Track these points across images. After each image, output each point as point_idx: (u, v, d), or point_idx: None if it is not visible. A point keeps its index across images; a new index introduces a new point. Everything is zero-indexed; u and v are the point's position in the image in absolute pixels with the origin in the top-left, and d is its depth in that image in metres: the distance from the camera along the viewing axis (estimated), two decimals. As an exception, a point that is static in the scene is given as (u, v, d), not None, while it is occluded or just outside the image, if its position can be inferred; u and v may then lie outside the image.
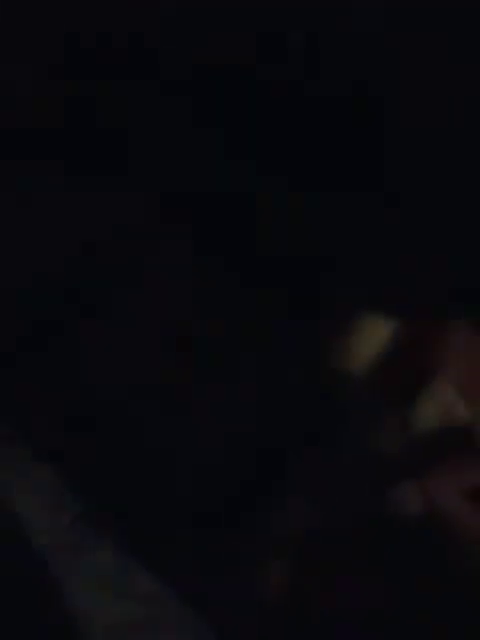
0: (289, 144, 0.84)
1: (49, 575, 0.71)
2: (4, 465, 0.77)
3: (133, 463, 0.78)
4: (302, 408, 0.63)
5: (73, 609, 0.70)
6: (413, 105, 0.80)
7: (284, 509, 0.61)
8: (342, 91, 0.83)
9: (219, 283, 0.81)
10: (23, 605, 0.71)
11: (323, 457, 0.58)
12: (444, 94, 0.80)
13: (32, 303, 0.85)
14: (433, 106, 0.80)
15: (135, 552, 0.72)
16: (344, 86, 0.82)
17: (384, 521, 0.53)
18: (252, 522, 0.65)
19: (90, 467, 0.78)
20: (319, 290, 0.72)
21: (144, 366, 0.83)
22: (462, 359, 0.55)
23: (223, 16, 0.87)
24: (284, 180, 0.84)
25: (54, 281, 0.86)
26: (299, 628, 0.57)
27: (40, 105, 0.90)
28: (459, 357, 0.55)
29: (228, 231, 0.86)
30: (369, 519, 0.53)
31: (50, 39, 0.91)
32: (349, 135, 0.80)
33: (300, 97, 0.85)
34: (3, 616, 0.70)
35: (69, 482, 0.76)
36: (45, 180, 0.90)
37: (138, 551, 0.72)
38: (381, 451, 0.53)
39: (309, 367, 0.61)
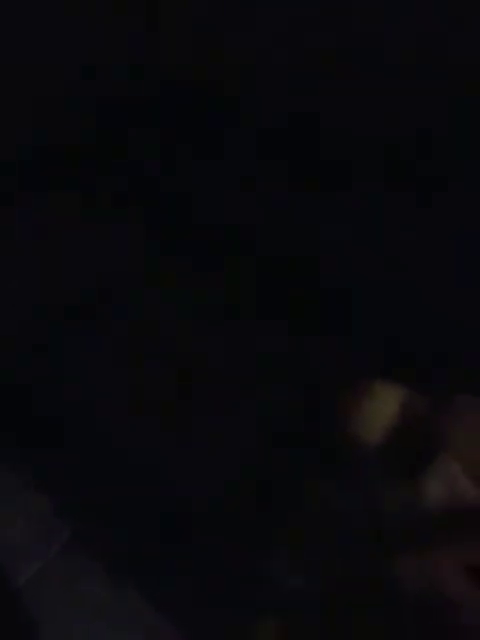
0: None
1: (43, 605, 0.69)
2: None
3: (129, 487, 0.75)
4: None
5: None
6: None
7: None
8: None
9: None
10: (16, 636, 0.69)
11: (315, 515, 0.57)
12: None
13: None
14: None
15: (129, 579, 0.69)
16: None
17: (378, 592, 0.52)
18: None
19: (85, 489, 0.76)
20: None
21: (142, 393, 0.81)
22: (468, 435, 0.54)
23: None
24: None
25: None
26: None
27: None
28: (465, 433, 0.54)
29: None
30: (362, 588, 0.52)
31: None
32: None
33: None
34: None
35: (60, 508, 0.73)
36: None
37: (133, 578, 0.69)
38: (383, 522, 0.52)
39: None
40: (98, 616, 0.68)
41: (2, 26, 0.94)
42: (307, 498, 0.61)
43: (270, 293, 0.85)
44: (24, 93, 0.97)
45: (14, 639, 0.68)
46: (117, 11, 0.91)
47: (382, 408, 0.55)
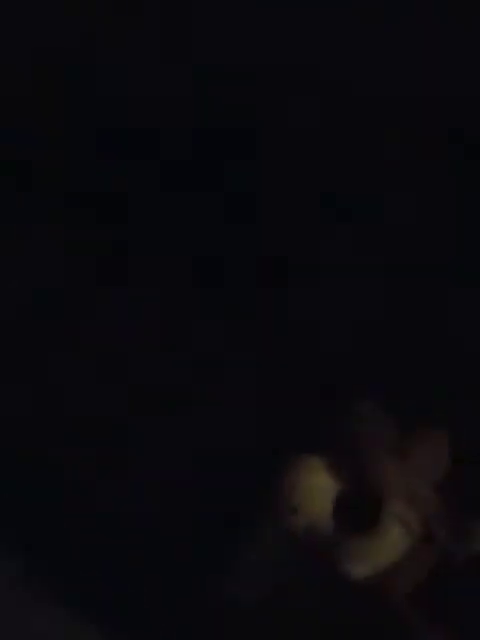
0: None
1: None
2: None
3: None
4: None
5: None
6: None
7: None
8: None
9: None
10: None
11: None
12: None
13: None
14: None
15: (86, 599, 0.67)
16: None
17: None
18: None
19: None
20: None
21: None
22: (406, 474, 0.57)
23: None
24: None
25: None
26: None
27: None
28: (404, 473, 0.57)
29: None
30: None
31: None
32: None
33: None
34: None
35: (4, 543, 0.70)
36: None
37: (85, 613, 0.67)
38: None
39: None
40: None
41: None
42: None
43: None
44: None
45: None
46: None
47: (315, 479, 0.57)
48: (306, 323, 0.77)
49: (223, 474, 0.69)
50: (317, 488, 0.57)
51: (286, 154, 0.81)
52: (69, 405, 0.76)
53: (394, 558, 0.54)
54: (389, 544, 0.54)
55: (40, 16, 0.85)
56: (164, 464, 0.71)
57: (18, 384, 0.78)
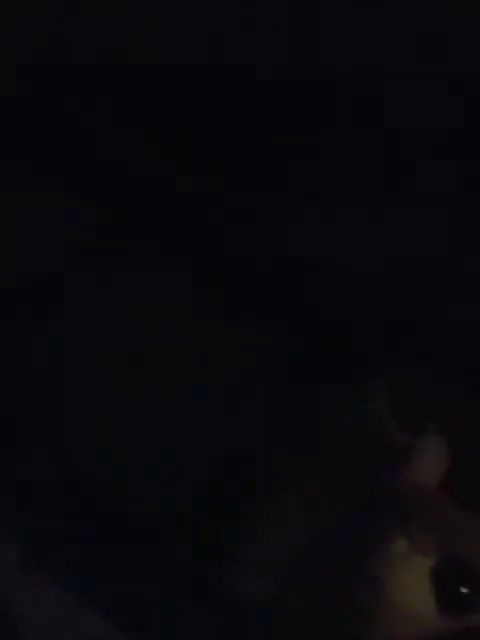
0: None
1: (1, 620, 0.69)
2: None
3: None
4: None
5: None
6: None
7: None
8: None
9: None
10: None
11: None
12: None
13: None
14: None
15: (87, 589, 0.70)
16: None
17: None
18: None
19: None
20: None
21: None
22: None
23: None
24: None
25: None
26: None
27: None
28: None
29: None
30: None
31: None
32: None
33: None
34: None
35: (14, 520, 0.73)
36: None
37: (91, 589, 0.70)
38: None
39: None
40: (58, 626, 0.69)
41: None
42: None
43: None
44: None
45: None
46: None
47: (412, 572, 0.52)
48: (306, 321, 0.78)
49: (224, 467, 0.71)
50: (417, 581, 0.52)
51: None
52: (68, 390, 0.78)
53: None
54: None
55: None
56: (163, 456, 0.73)
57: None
